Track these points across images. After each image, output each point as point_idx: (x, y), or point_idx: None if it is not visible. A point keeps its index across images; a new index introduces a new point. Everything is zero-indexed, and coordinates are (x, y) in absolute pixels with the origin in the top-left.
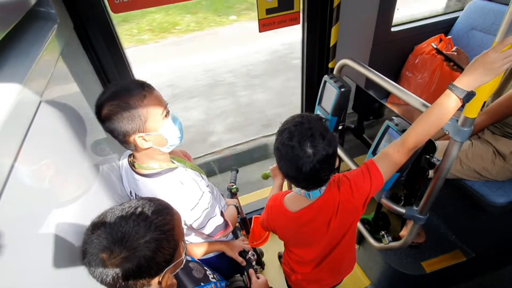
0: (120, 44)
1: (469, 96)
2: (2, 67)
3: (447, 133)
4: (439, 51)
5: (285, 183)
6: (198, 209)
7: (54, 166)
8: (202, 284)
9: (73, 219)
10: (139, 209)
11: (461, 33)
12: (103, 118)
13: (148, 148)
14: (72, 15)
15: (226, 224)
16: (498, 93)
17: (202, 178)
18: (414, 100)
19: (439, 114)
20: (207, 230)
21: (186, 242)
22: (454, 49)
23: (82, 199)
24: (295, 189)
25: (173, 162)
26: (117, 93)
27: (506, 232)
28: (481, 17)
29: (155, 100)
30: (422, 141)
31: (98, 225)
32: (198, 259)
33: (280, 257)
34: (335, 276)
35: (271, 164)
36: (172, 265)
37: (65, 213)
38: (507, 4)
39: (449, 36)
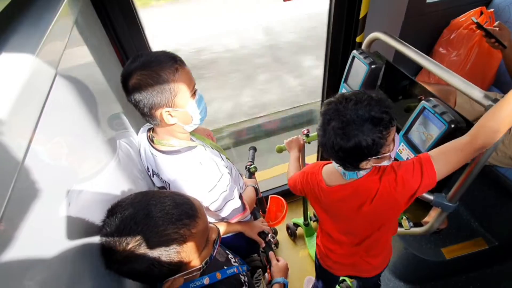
0: (137, 13)
1: None
2: (12, 37)
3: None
4: (480, 26)
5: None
6: (216, 191)
7: (71, 142)
8: (225, 267)
9: (93, 195)
10: (154, 212)
11: (503, 5)
12: (131, 87)
13: (172, 124)
14: None
15: (244, 207)
16: None
17: (222, 158)
18: (451, 76)
19: (508, 111)
20: (224, 213)
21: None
22: (496, 24)
23: (101, 175)
24: (334, 163)
25: (193, 140)
26: (149, 63)
27: None
28: None
29: (186, 76)
30: (494, 139)
31: (111, 214)
32: None
33: (288, 228)
34: (367, 267)
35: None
36: (179, 275)
37: (85, 189)
38: None
39: (491, 9)
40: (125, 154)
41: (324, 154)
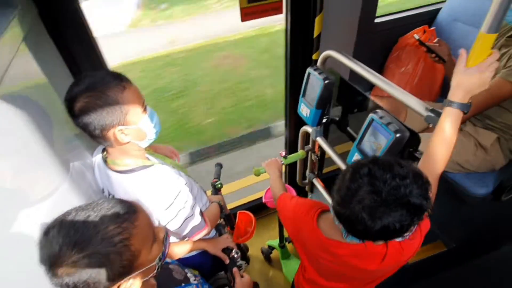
0: (90, 31)
1: (468, 107)
2: None
3: (430, 126)
4: (421, 43)
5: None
6: (173, 209)
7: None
8: (183, 284)
9: (45, 218)
10: (91, 215)
11: (444, 24)
12: (78, 111)
13: (127, 142)
14: (36, 0)
15: (204, 224)
16: None
17: (181, 175)
18: (397, 91)
19: (451, 129)
20: (184, 231)
21: None
22: (436, 40)
23: (53, 198)
24: (332, 212)
25: (148, 159)
26: (94, 84)
27: (485, 222)
28: (463, 8)
29: (134, 93)
30: (446, 162)
31: (45, 232)
32: (178, 259)
33: (262, 252)
34: None
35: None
36: (133, 274)
37: (34, 213)
38: None
39: (433, 27)
40: (79, 176)
41: (339, 220)
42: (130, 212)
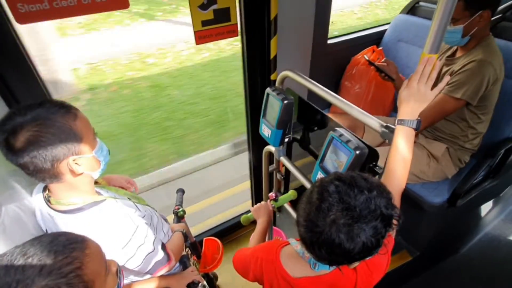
0: (29, 57)
1: (418, 124)
2: None
3: (386, 141)
4: (371, 63)
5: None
6: (131, 246)
7: None
8: None
9: None
10: (31, 250)
11: (390, 44)
12: (23, 144)
13: (79, 174)
14: None
15: (168, 258)
16: None
17: (138, 208)
18: (354, 110)
19: (406, 146)
20: (145, 267)
21: (124, 283)
22: (383, 60)
23: None
24: (295, 245)
25: (98, 193)
26: (42, 112)
27: (445, 228)
28: (405, 30)
29: (85, 120)
30: (406, 178)
31: None
32: None
33: None
34: None
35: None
36: None
37: None
38: (428, 18)
39: (380, 47)
40: (14, 220)
41: (307, 247)
42: (78, 241)
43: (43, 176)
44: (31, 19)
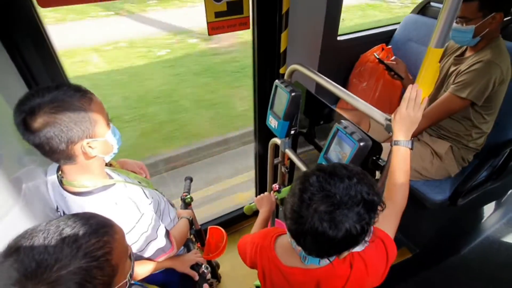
0: (49, 39)
1: (411, 143)
2: None
3: (390, 134)
4: (381, 61)
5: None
6: (135, 233)
7: None
8: None
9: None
10: (67, 230)
11: (399, 43)
12: (40, 124)
13: (93, 157)
14: None
15: (170, 245)
16: (433, 98)
17: (146, 195)
18: (360, 103)
19: (404, 166)
20: (147, 253)
21: None
22: (393, 58)
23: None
24: (289, 237)
25: (111, 177)
26: (60, 95)
27: (445, 227)
28: (415, 30)
29: (100, 104)
30: (406, 196)
31: (11, 251)
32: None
33: None
34: None
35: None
36: None
37: None
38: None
39: (390, 46)
40: (34, 195)
41: (295, 239)
42: (108, 225)
43: (58, 157)
44: (53, 3)
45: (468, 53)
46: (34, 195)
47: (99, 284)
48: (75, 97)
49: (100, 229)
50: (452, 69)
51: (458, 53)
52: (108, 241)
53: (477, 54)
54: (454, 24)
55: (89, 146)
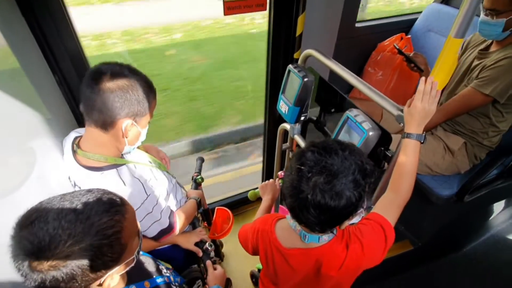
0: (67, 12)
1: (423, 137)
2: None
3: (401, 125)
4: (400, 52)
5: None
6: (139, 213)
7: None
8: (155, 276)
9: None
10: (81, 206)
11: (419, 33)
12: (114, 86)
13: (122, 137)
14: None
15: (172, 227)
16: (452, 92)
17: (154, 176)
18: (373, 93)
19: (413, 159)
20: (150, 233)
21: None
22: (412, 53)
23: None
24: (289, 219)
25: (121, 157)
26: (137, 77)
27: (449, 223)
28: (437, 20)
29: (156, 102)
30: (411, 191)
31: (26, 223)
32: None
33: (252, 276)
34: None
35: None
36: (118, 267)
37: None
38: None
39: (409, 36)
40: (51, 164)
41: (297, 216)
42: (120, 204)
43: (102, 118)
44: None
45: (493, 48)
46: (49, 165)
47: (108, 260)
48: (147, 86)
49: (112, 208)
50: (475, 63)
51: (482, 46)
52: (119, 220)
53: (504, 50)
54: (483, 17)
55: (131, 126)
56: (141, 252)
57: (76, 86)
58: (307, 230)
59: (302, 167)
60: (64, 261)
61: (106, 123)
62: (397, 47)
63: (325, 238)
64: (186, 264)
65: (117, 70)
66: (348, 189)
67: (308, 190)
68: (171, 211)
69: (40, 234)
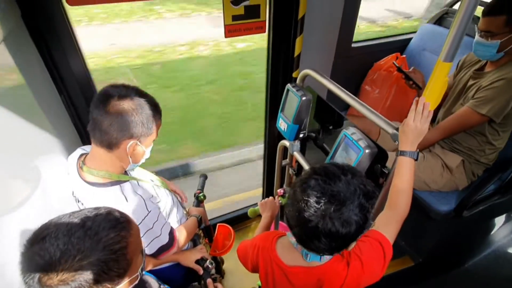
0: (75, 37)
1: (417, 154)
2: None
3: (396, 143)
4: (400, 69)
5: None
6: (140, 229)
7: None
8: None
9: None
10: (89, 223)
11: (414, 52)
12: (121, 108)
13: (126, 156)
14: (20, 2)
15: (171, 244)
16: (448, 110)
17: (157, 193)
18: (369, 111)
19: (408, 176)
20: (149, 250)
21: None
22: (411, 69)
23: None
24: (290, 236)
25: (125, 174)
26: (142, 100)
27: (449, 238)
28: (431, 40)
29: (160, 123)
30: (408, 207)
31: (38, 240)
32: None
33: None
34: None
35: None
36: (123, 283)
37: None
38: None
39: (404, 55)
40: (53, 180)
41: (305, 244)
42: (125, 221)
43: (107, 139)
44: (80, 1)
45: (488, 68)
46: (54, 182)
47: (114, 275)
48: (152, 107)
49: (118, 224)
50: (470, 82)
51: (477, 66)
52: (125, 236)
53: (499, 70)
54: (478, 38)
55: (135, 146)
56: (143, 272)
57: (81, 105)
58: (305, 248)
59: (309, 198)
60: (73, 276)
61: (111, 144)
62: (397, 65)
63: (327, 257)
64: (186, 282)
65: (123, 93)
66: (355, 214)
67: (317, 220)
68: (171, 228)
69: (51, 249)
